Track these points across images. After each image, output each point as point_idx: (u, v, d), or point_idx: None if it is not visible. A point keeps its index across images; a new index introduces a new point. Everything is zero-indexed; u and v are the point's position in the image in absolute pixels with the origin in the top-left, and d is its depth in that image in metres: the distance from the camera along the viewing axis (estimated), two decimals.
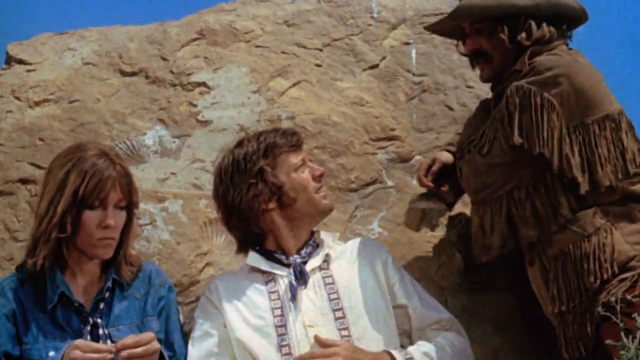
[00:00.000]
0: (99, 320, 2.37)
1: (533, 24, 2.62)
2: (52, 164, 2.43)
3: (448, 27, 2.81)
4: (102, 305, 2.42)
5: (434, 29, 2.90)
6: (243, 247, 2.64)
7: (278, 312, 2.48)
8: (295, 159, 2.58)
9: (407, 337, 2.54)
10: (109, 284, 2.44)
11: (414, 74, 3.35)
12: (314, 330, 2.42)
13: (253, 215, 2.55)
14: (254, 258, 2.60)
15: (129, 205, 2.44)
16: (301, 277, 2.50)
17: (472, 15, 2.67)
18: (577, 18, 2.72)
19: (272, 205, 2.55)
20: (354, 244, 2.67)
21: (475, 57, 2.73)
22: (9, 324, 2.35)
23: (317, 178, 2.60)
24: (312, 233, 2.64)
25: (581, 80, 2.49)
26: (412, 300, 2.56)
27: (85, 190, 2.33)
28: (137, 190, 2.50)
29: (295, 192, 2.55)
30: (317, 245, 2.61)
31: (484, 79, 2.75)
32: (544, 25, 2.63)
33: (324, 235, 2.65)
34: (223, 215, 2.61)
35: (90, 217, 2.35)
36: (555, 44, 2.63)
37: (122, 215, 2.42)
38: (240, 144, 2.61)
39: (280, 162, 2.56)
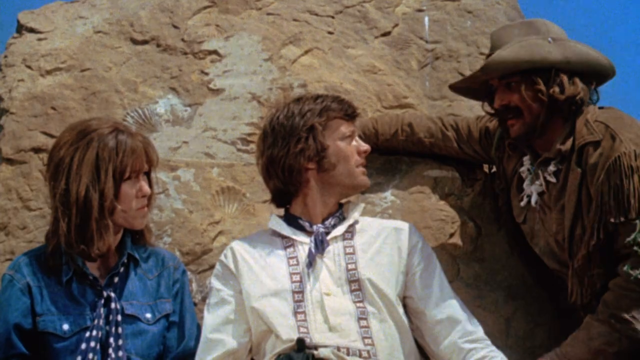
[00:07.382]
0: (112, 294, 2.40)
1: (565, 77, 2.57)
2: (63, 151, 2.42)
3: (475, 83, 2.74)
4: (116, 280, 2.44)
5: (460, 87, 2.84)
6: (275, 201, 2.66)
7: (296, 277, 2.49)
8: (346, 128, 2.59)
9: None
10: (124, 259, 2.47)
11: (426, 41, 3.32)
12: (331, 299, 2.44)
13: (295, 169, 2.54)
14: (276, 222, 2.61)
15: (149, 171, 2.50)
16: (321, 246, 2.51)
17: (504, 69, 2.60)
18: (605, 74, 2.69)
19: (311, 165, 2.55)
20: (388, 223, 2.67)
21: (505, 113, 2.65)
22: (23, 297, 2.38)
23: (362, 154, 2.61)
24: (341, 205, 2.64)
25: None
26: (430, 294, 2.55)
27: (122, 166, 2.39)
28: (157, 152, 2.55)
29: (336, 159, 2.56)
30: (344, 218, 2.61)
31: (515, 134, 2.66)
32: (577, 79, 2.59)
33: (351, 206, 2.64)
34: (266, 163, 2.60)
35: (128, 189, 2.42)
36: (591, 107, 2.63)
37: (146, 181, 2.48)
38: (298, 100, 2.62)
39: (331, 126, 2.57)
